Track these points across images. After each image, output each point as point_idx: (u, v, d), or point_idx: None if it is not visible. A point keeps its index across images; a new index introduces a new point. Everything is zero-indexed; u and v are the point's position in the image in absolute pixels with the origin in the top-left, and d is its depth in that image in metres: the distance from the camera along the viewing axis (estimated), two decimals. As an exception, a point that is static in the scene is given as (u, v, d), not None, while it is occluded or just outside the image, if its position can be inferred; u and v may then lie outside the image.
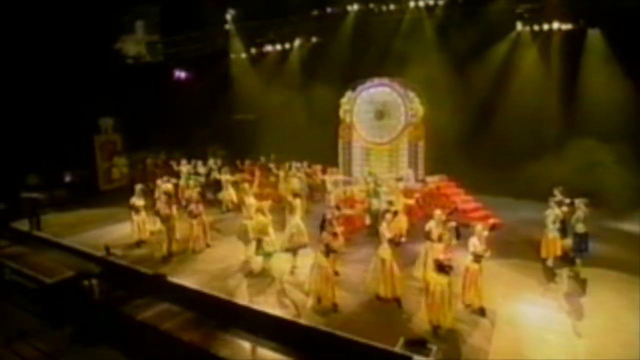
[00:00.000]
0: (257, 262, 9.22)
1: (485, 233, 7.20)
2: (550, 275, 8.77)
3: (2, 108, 14.81)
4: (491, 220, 11.26)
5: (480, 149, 13.91)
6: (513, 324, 6.93)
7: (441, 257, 6.68)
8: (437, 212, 7.91)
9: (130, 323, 7.87)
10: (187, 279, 8.70)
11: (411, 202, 10.77)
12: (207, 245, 10.58)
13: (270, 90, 17.72)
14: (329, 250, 7.35)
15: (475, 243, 7.12)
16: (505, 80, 13.77)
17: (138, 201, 10.92)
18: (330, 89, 15.92)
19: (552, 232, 9.03)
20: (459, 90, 14.06)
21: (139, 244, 10.86)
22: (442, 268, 6.62)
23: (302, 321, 7.05)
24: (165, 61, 17.76)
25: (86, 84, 16.45)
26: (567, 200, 9.30)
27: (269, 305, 7.61)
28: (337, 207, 8.97)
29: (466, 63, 14.09)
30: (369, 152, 15.10)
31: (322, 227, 7.74)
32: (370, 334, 6.49)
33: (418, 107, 14.08)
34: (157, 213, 10.58)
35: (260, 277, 8.82)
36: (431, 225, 7.72)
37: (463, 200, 12.69)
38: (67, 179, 17.48)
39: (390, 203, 9.52)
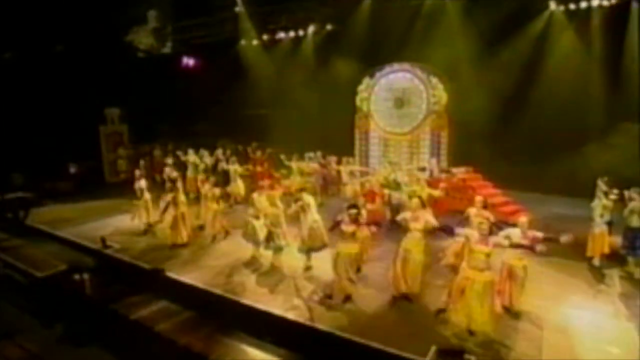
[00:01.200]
0: (267, 257, 8.32)
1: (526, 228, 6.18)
2: (598, 275, 7.71)
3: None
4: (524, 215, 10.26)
5: (508, 140, 12.86)
6: (564, 331, 5.89)
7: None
8: (478, 198, 6.99)
9: (122, 322, 7.02)
10: (188, 275, 7.82)
11: (437, 193, 9.74)
12: (227, 233, 9.83)
13: (283, 79, 16.87)
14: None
15: (517, 234, 6.11)
16: (537, 64, 12.63)
17: (140, 183, 10.41)
18: (346, 77, 15.05)
19: (599, 226, 7.98)
20: (486, 76, 12.96)
21: (145, 232, 10.35)
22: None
23: (316, 325, 6.09)
24: (173, 48, 16.97)
25: (93, 74, 15.88)
26: (615, 192, 8.21)
27: (277, 305, 6.68)
28: (353, 206, 7.68)
29: (494, 46, 12.97)
30: (387, 143, 14.15)
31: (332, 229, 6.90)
32: (394, 340, 5.53)
33: (441, 94, 13.08)
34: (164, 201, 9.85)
35: (269, 274, 7.90)
36: (471, 212, 6.80)
37: (491, 193, 11.61)
38: (72, 170, 16.88)
39: (411, 195, 8.51)
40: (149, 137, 17.70)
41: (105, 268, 8.55)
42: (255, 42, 17.63)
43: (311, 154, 12.84)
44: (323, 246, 7.84)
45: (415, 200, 6.70)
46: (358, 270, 7.43)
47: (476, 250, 5.69)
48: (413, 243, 6.61)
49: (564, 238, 5.85)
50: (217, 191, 9.85)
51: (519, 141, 12.73)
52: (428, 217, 6.57)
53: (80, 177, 16.55)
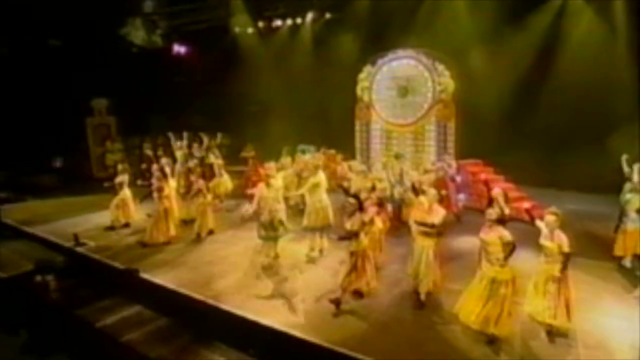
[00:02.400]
0: (259, 254, 7.46)
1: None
2: (633, 278, 6.77)
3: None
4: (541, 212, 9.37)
5: (521, 132, 11.94)
6: (604, 347, 4.96)
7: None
8: (497, 190, 6.08)
9: (87, 330, 6.12)
10: (165, 277, 6.92)
11: (444, 193, 8.86)
12: (210, 233, 8.99)
13: (280, 69, 15.94)
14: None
15: (546, 235, 5.18)
16: (553, 48, 11.66)
17: (122, 178, 9.72)
18: (346, 66, 14.11)
19: (634, 222, 7.02)
20: (496, 63, 12.03)
21: (118, 227, 9.56)
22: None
23: (310, 337, 5.17)
24: (163, 36, 16.04)
25: (80, 64, 14.99)
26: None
27: (266, 313, 5.76)
28: (354, 197, 6.83)
29: (505, 30, 12.01)
30: (390, 135, 13.19)
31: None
32: (402, 355, 4.61)
33: (448, 82, 12.10)
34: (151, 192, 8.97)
35: (260, 276, 6.99)
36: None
37: (503, 188, 10.65)
38: (57, 164, 16.03)
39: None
40: (139, 130, 16.81)
41: (74, 268, 7.64)
42: (250, 30, 16.71)
43: (303, 147, 11.81)
44: (327, 226, 7.66)
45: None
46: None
47: (485, 240, 4.86)
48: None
49: None
50: (208, 185, 8.97)
51: (532, 133, 11.82)
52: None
53: (66, 172, 15.70)
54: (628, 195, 7.16)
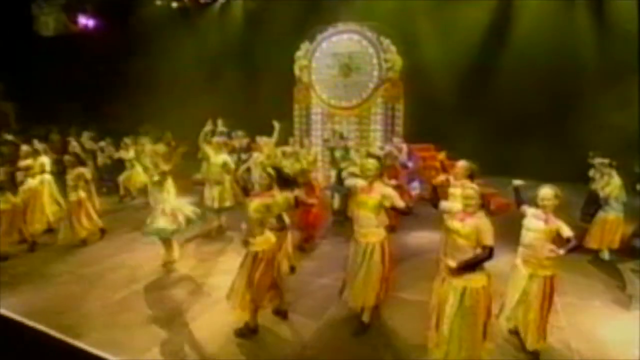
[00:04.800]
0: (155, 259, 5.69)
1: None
2: (613, 273, 5.72)
3: None
4: (503, 200, 8.29)
5: (475, 114, 10.88)
6: (601, 352, 3.71)
7: None
8: (460, 164, 4.94)
9: None
10: (20, 296, 4.98)
11: (394, 182, 7.51)
12: (103, 233, 7.18)
13: (207, 48, 14.07)
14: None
15: (535, 214, 3.93)
16: (509, 20, 10.68)
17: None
18: (283, 43, 12.49)
19: (614, 211, 6.00)
20: (449, 35, 10.92)
21: None
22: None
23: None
24: (65, 6, 13.65)
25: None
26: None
27: (141, 349, 4.02)
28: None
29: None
30: (332, 120, 11.71)
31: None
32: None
33: (395, 59, 10.80)
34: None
35: (148, 290, 5.23)
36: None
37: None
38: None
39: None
40: (45, 118, 14.33)
41: None
42: (175, 4, 14.68)
43: (222, 128, 10.01)
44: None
45: (373, 162, 4.25)
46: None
47: (458, 230, 3.48)
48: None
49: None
50: (87, 174, 7.00)
51: (487, 115, 10.78)
52: (387, 191, 4.17)
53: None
54: (603, 182, 6.15)
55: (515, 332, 4.08)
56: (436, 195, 4.11)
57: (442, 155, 7.20)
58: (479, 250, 3.38)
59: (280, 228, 4.91)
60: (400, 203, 4.08)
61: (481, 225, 3.40)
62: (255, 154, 7.88)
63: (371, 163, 4.23)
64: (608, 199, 6.04)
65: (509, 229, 4.36)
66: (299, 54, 11.99)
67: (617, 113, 8.47)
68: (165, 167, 5.72)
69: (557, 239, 3.74)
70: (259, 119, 11.93)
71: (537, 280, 3.78)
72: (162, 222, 5.62)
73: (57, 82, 14.57)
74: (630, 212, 6.38)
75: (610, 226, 6.02)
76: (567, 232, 3.70)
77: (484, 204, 3.56)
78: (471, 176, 4.81)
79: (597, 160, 6.96)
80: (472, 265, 3.37)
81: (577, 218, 7.70)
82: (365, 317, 4.22)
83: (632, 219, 6.43)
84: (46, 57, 14.46)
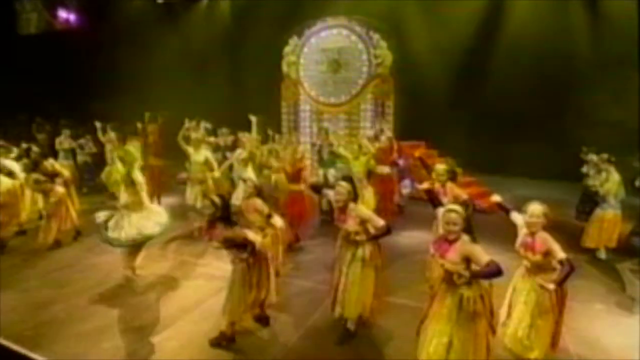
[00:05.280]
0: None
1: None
2: (611, 273, 5.47)
3: None
4: (494, 198, 8.01)
5: (466, 111, 10.71)
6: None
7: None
8: (437, 167, 4.67)
9: None
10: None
11: (387, 170, 7.27)
12: (77, 234, 6.80)
13: (193, 44, 13.71)
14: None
15: (524, 239, 3.59)
16: (499, 13, 10.45)
17: None
18: (271, 39, 12.17)
19: (612, 208, 5.76)
20: (440, 30, 10.68)
21: None
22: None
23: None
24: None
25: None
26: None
27: None
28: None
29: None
30: (321, 117, 11.40)
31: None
32: None
33: (385, 54, 10.53)
34: None
35: (120, 295, 4.88)
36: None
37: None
38: None
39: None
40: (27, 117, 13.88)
41: None
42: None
43: (207, 125, 9.63)
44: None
45: (345, 186, 3.84)
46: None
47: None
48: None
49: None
50: (65, 171, 6.64)
51: (480, 111, 10.60)
52: (363, 214, 3.79)
53: None
54: (601, 178, 5.90)
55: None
56: (436, 198, 3.83)
57: (420, 152, 6.96)
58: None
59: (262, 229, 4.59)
60: (379, 222, 3.68)
61: (467, 251, 2.99)
62: (238, 151, 7.56)
63: (342, 186, 3.83)
64: (606, 196, 5.79)
65: (504, 228, 4.09)
66: (287, 49, 11.68)
67: (612, 108, 8.29)
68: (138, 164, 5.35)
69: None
70: (246, 116, 11.66)
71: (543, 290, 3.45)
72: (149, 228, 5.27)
73: (40, 80, 14.14)
74: (627, 209, 6.15)
75: (608, 224, 5.78)
76: (559, 254, 3.32)
77: (469, 225, 3.16)
78: (453, 178, 4.50)
79: (593, 156, 6.74)
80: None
81: (571, 216, 7.52)
82: (351, 325, 3.90)
83: (629, 217, 6.20)
84: (29, 55, 14.03)
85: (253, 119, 6.96)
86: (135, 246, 5.20)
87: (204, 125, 9.40)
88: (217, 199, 3.59)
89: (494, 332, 3.16)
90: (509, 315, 3.74)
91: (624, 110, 8.24)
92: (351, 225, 3.73)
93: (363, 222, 3.71)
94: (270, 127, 10.97)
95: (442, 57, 10.70)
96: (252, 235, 3.68)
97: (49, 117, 13.91)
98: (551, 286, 3.26)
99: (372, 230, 3.71)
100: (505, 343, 3.61)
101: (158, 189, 8.73)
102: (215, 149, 9.43)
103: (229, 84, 13.18)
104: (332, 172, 7.56)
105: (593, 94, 9.02)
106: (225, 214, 3.59)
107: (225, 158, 8.89)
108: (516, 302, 3.62)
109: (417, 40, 10.86)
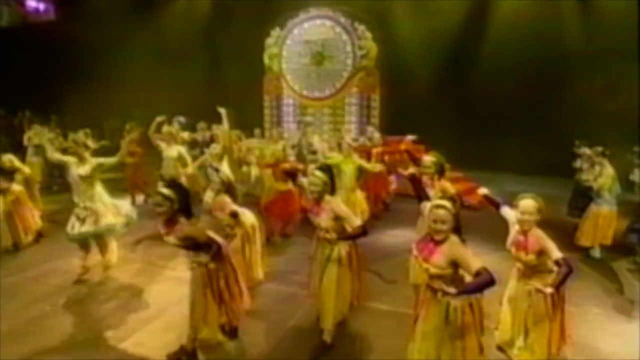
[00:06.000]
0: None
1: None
2: (607, 272, 5.17)
3: None
4: (481, 191, 7.71)
5: (457, 103, 10.36)
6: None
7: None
8: (427, 158, 4.21)
9: None
10: None
11: (379, 167, 6.93)
12: (39, 236, 6.27)
13: (172, 36, 13.14)
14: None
15: (516, 237, 3.24)
16: (490, 3, 10.13)
17: None
18: (252, 28, 11.69)
19: (607, 204, 5.46)
20: (427, 21, 10.33)
21: None
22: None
23: None
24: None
25: None
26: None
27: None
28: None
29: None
30: (304, 112, 11.02)
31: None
32: None
33: (370, 46, 10.23)
34: None
35: (77, 302, 4.43)
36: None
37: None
38: None
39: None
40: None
41: None
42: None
43: (181, 118, 9.13)
44: None
45: (319, 176, 3.44)
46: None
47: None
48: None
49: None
50: (25, 168, 6.14)
51: (468, 105, 10.27)
52: (340, 210, 3.38)
53: None
54: (595, 172, 5.60)
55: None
56: (421, 188, 3.47)
57: (406, 145, 6.59)
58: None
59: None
60: (356, 222, 3.31)
61: (456, 255, 2.59)
62: (213, 145, 7.12)
63: (317, 177, 3.42)
64: (600, 191, 5.48)
65: (493, 225, 3.74)
66: (269, 41, 11.27)
67: (604, 100, 8.02)
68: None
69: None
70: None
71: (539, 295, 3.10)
72: (109, 218, 4.87)
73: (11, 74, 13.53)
74: (623, 205, 5.85)
75: (604, 221, 5.47)
76: (555, 253, 2.97)
77: (458, 224, 2.78)
78: (441, 172, 4.14)
79: (586, 150, 6.45)
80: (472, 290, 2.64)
81: (563, 212, 7.23)
82: (328, 337, 3.50)
83: (625, 213, 5.90)
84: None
85: (222, 111, 6.54)
86: (86, 242, 4.83)
87: (179, 119, 8.94)
88: (167, 191, 3.10)
89: (481, 350, 2.78)
90: (501, 322, 3.41)
91: (617, 102, 7.97)
92: (324, 219, 3.35)
93: (337, 218, 3.33)
94: (251, 122, 10.63)
95: (429, 48, 10.35)
96: (218, 237, 3.27)
97: (15, 110, 13.35)
98: (548, 290, 2.92)
99: (348, 229, 3.33)
100: (498, 352, 3.26)
101: (132, 188, 8.29)
102: (193, 144, 8.99)
103: (209, 77, 12.67)
104: (316, 139, 7.16)
105: (585, 86, 8.74)
106: (184, 204, 3.15)
107: (202, 154, 8.45)
108: (510, 307, 3.27)
109: (403, 31, 10.50)
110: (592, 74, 8.68)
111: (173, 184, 3.24)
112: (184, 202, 3.14)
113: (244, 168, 8.41)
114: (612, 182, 5.44)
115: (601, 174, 5.48)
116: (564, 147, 7.77)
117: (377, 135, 7.99)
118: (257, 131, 8.54)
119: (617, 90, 8.06)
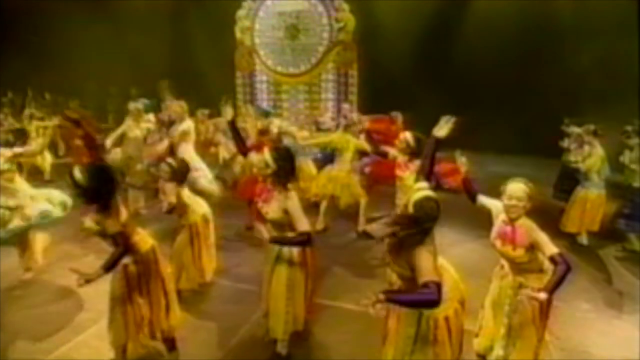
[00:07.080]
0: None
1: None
2: (595, 261, 4.84)
3: None
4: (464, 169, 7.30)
5: (438, 80, 9.85)
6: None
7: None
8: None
9: None
10: None
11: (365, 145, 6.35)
12: None
13: (136, 6, 12.27)
14: None
15: (501, 228, 2.83)
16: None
17: None
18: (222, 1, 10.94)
19: (596, 187, 5.08)
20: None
21: None
22: None
23: None
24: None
25: None
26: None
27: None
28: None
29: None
30: (279, 88, 10.39)
31: None
32: None
33: (348, 18, 9.52)
34: None
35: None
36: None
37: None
38: None
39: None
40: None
41: None
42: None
43: (145, 101, 8.40)
44: None
45: (268, 159, 2.88)
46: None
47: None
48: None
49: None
50: None
51: (450, 82, 9.78)
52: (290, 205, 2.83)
53: None
54: (584, 153, 5.21)
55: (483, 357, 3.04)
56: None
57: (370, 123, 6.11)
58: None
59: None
60: (302, 227, 2.76)
61: (415, 260, 2.14)
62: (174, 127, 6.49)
63: (266, 160, 2.89)
64: (588, 173, 5.09)
65: (476, 208, 3.28)
66: (240, 13, 10.48)
67: (593, 77, 7.60)
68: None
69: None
70: (197, 88, 10.56)
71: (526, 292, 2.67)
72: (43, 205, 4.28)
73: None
74: (610, 188, 5.48)
75: (592, 205, 5.12)
76: (549, 248, 2.57)
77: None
78: (418, 153, 3.65)
79: (575, 129, 6.04)
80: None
81: (548, 195, 6.87)
82: (282, 348, 3.03)
83: (613, 196, 5.53)
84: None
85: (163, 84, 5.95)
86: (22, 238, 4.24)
87: (143, 101, 8.25)
88: (78, 174, 2.58)
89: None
90: (482, 327, 3.00)
91: (607, 79, 7.55)
92: (273, 210, 2.83)
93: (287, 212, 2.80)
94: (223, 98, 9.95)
95: (409, 21, 9.79)
96: (139, 237, 2.76)
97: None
98: (542, 295, 2.47)
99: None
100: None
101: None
102: (160, 124, 8.35)
103: (177, 52, 11.92)
104: (276, 122, 6.48)
105: (572, 63, 8.30)
106: (99, 184, 2.61)
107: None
108: (492, 313, 2.86)
109: (383, 3, 9.88)
110: (581, 50, 8.23)
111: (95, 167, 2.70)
112: (101, 182, 2.62)
113: (212, 149, 7.86)
114: (602, 164, 5.06)
115: (590, 155, 5.09)
116: (551, 125, 7.38)
117: (354, 115, 7.40)
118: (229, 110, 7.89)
119: (607, 66, 7.63)
